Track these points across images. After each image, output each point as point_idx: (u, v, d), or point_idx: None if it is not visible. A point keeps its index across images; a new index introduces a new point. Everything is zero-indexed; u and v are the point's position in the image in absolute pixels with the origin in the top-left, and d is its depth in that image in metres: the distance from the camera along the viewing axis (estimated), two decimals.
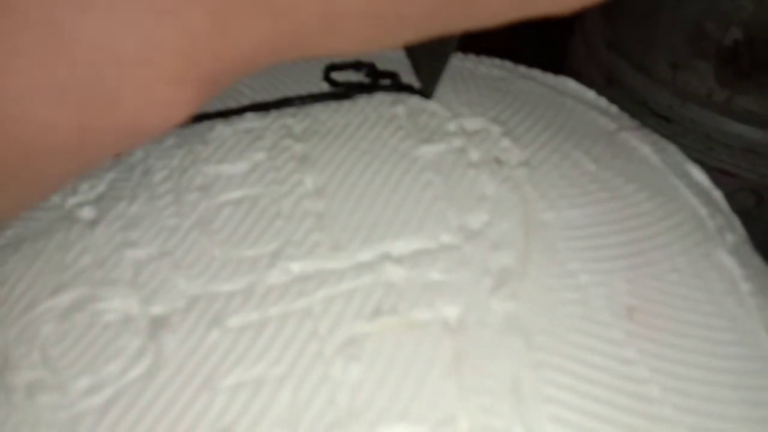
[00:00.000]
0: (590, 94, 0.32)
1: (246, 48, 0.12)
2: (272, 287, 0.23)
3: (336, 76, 0.30)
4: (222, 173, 0.27)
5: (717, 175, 0.71)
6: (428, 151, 0.28)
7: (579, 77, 0.80)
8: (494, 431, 0.19)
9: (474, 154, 0.27)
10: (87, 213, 0.25)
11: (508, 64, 0.35)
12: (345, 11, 0.12)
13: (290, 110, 0.29)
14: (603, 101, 0.32)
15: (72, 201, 0.26)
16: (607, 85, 0.72)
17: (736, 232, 0.26)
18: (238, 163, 0.27)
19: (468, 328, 0.21)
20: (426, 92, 0.29)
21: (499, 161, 0.27)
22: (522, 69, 0.34)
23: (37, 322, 0.22)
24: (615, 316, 0.22)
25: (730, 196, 0.75)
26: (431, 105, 0.30)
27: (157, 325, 0.22)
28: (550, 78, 0.33)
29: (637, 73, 0.69)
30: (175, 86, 0.12)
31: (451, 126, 0.29)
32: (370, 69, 0.30)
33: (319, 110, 0.29)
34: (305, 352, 0.21)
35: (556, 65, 0.83)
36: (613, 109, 0.32)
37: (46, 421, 0.20)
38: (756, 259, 0.25)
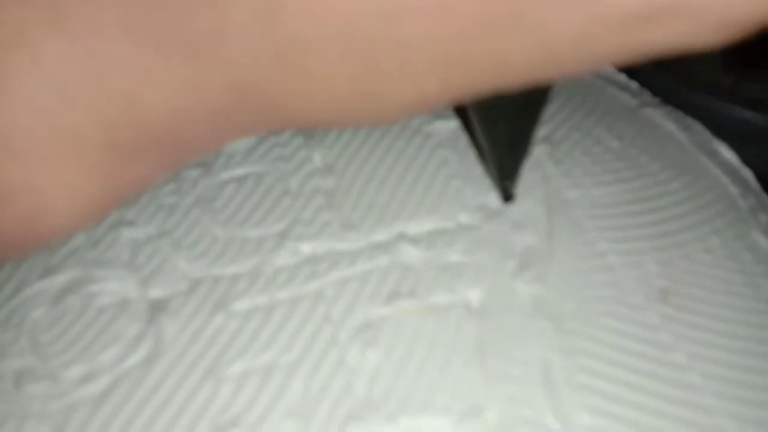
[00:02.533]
0: (609, 69, 0.31)
1: (154, 102, 0.10)
2: (281, 269, 0.21)
3: None
4: (223, 149, 0.25)
5: None
6: (442, 126, 0.26)
7: None
8: (525, 422, 0.17)
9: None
10: None
11: None
12: (307, 40, 0.09)
13: None
14: (622, 77, 0.31)
15: None
16: (613, 70, 0.70)
17: None
18: (241, 140, 0.25)
19: (492, 312, 0.20)
20: (508, 195, 0.23)
21: None
22: None
23: (26, 306, 0.21)
24: (648, 299, 0.20)
25: None
26: None
27: (157, 309, 0.20)
28: None
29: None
30: (43, 167, 0.10)
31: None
32: None
33: None
34: (318, 338, 0.19)
35: None
36: (634, 84, 0.30)
37: (36, 412, 0.18)
38: None
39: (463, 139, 0.26)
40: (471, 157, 0.25)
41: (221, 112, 0.09)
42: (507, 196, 0.22)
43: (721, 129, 0.71)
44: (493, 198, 0.23)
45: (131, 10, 0.08)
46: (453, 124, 0.26)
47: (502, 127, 0.21)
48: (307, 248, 0.22)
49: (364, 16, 0.08)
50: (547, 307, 0.20)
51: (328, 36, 0.08)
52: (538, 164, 0.25)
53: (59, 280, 0.21)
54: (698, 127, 0.28)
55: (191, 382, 0.18)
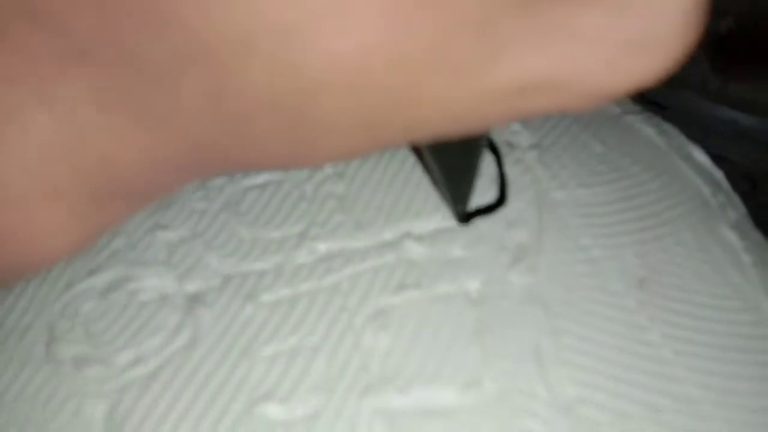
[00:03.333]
0: None
1: (126, 162, 0.11)
2: (301, 266, 0.24)
3: None
4: None
5: (711, 160, 0.72)
6: None
7: None
8: (519, 392, 0.20)
9: (486, 139, 0.28)
10: None
11: None
12: (248, 112, 0.10)
13: None
14: None
15: None
16: None
17: (737, 209, 0.28)
18: None
19: (489, 299, 0.23)
20: (459, 216, 0.25)
21: (510, 144, 0.29)
22: None
23: (78, 300, 0.23)
24: (627, 286, 0.23)
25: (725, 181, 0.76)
26: None
27: (194, 301, 0.23)
28: None
29: None
30: (26, 214, 0.11)
31: None
32: None
33: None
34: (336, 324, 0.22)
35: None
36: None
37: (93, 392, 0.21)
38: (756, 234, 0.27)
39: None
40: None
41: (183, 165, 0.11)
42: (461, 218, 0.24)
43: (709, 129, 0.74)
44: (488, 199, 0.26)
45: (103, 88, 0.09)
46: None
47: (451, 157, 0.22)
48: (323, 247, 0.25)
49: (289, 93, 0.09)
50: (538, 295, 0.23)
51: (261, 109, 0.09)
52: (529, 168, 0.27)
53: (104, 277, 0.24)
54: (674, 132, 0.31)
55: (228, 364, 0.21)
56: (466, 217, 0.24)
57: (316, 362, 0.21)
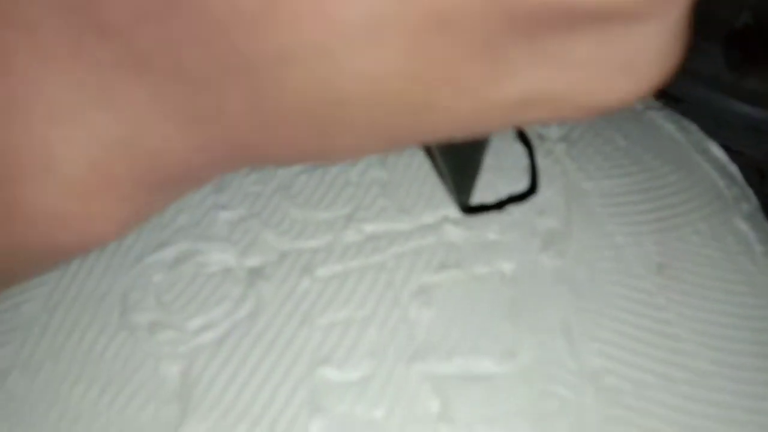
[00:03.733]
0: None
1: (173, 158, 0.11)
2: (350, 245, 0.26)
3: None
4: None
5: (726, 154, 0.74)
6: None
7: None
8: (549, 363, 0.22)
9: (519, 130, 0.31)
10: None
11: None
12: (283, 117, 0.11)
13: None
14: None
15: None
16: None
17: (750, 202, 0.30)
18: None
19: (522, 280, 0.25)
20: (462, 207, 0.26)
21: (541, 137, 0.31)
22: None
23: (148, 271, 0.26)
24: (647, 270, 0.25)
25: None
26: None
27: (254, 275, 0.25)
28: None
29: None
30: (85, 200, 0.11)
31: None
32: None
33: None
34: (384, 299, 0.24)
35: None
36: None
37: (167, 354, 0.23)
38: (767, 225, 0.29)
39: (496, 137, 0.31)
40: (502, 152, 0.30)
41: (223, 161, 0.12)
42: (464, 209, 0.26)
43: (722, 122, 0.76)
44: (520, 188, 0.28)
45: (158, 94, 0.11)
46: None
47: (457, 153, 0.24)
48: (369, 228, 0.27)
49: (320, 102, 0.10)
50: (566, 276, 0.25)
51: (295, 115, 0.11)
52: (558, 160, 0.30)
53: (172, 251, 0.26)
54: (694, 128, 0.33)
55: (288, 331, 0.23)
56: (469, 209, 0.26)
57: (368, 332, 0.23)
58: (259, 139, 0.11)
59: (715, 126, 0.78)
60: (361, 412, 0.21)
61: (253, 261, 0.26)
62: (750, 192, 0.30)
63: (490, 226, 0.27)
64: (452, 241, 0.26)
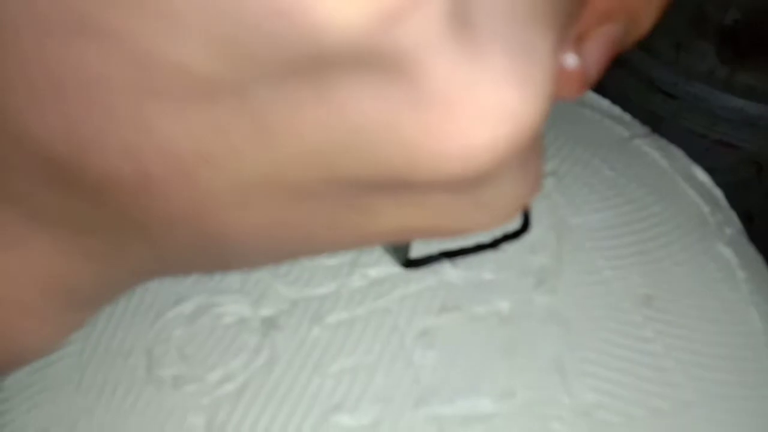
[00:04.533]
0: (605, 103, 0.37)
1: (81, 285, 0.12)
2: (356, 290, 0.28)
3: None
4: None
5: (720, 147, 0.76)
6: None
7: None
8: (545, 401, 0.24)
9: None
10: None
11: None
12: (178, 256, 0.11)
13: None
14: (617, 110, 0.37)
15: None
16: (615, 65, 0.76)
17: (734, 226, 0.31)
18: None
19: (516, 318, 0.27)
20: (402, 262, 0.27)
21: None
22: None
23: (169, 326, 0.28)
24: (634, 303, 0.27)
25: (732, 168, 0.81)
26: None
27: (268, 324, 0.27)
28: None
29: (643, 54, 0.73)
30: (31, 318, 0.12)
31: None
32: None
33: None
34: (390, 343, 0.26)
35: None
36: (627, 116, 0.37)
37: (193, 406, 0.25)
38: (750, 249, 0.30)
39: None
40: None
41: (128, 280, 0.12)
42: (405, 264, 0.28)
43: (717, 117, 0.77)
44: (512, 226, 0.30)
45: (58, 238, 0.12)
46: None
47: None
48: (373, 273, 0.29)
49: (207, 248, 0.11)
50: (558, 313, 0.27)
51: (189, 253, 0.11)
52: (547, 195, 0.31)
53: (190, 305, 0.28)
54: (679, 154, 0.34)
55: (303, 379, 0.25)
56: (409, 263, 0.27)
57: (376, 377, 0.25)
58: (161, 269, 0.12)
59: (711, 121, 0.79)
60: None
61: (266, 311, 0.28)
62: (733, 215, 0.32)
63: (486, 265, 0.29)
64: (451, 281, 0.28)
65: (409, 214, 0.10)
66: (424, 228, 0.11)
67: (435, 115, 0.08)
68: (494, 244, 0.29)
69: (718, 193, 0.33)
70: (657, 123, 0.83)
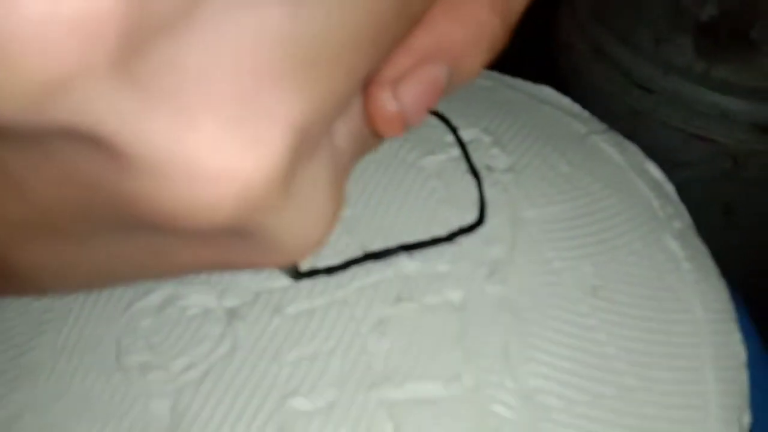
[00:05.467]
0: (565, 101, 0.38)
1: None
2: (316, 282, 0.29)
3: None
4: None
5: (697, 141, 0.77)
6: (432, 161, 0.34)
7: (569, 49, 0.85)
8: (491, 385, 0.26)
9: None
10: None
11: (495, 74, 0.40)
12: None
13: None
14: (576, 107, 0.38)
15: None
16: (594, 57, 0.77)
17: (683, 219, 0.33)
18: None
19: (468, 308, 0.28)
20: (291, 274, 0.29)
21: (489, 168, 0.34)
22: (508, 79, 0.40)
23: (138, 316, 0.29)
24: (583, 293, 0.28)
25: (709, 161, 0.82)
26: (431, 118, 0.36)
27: (231, 315, 0.28)
28: (530, 86, 0.39)
29: (622, 47, 0.74)
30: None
31: (449, 137, 0.35)
32: None
33: None
34: (346, 332, 0.27)
35: (546, 36, 0.88)
36: (585, 113, 0.38)
37: (157, 392, 0.27)
38: (697, 242, 0.32)
39: (448, 171, 0.33)
40: (453, 185, 0.33)
41: None
42: (294, 276, 0.28)
43: (694, 111, 0.78)
44: (470, 218, 0.31)
45: None
46: (439, 159, 0.34)
47: None
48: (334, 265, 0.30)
49: None
50: (508, 303, 0.28)
51: None
52: (505, 189, 0.33)
53: (157, 297, 0.29)
54: (634, 150, 0.36)
55: (262, 366, 0.27)
56: (299, 275, 0.28)
57: (331, 364, 0.26)
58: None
59: (688, 116, 0.80)
60: None
61: (230, 302, 0.29)
62: (683, 209, 0.33)
63: (442, 257, 0.30)
64: (407, 274, 0.29)
65: (200, 253, 0.11)
66: (222, 263, 0.11)
67: (149, 178, 0.09)
68: (450, 237, 0.31)
69: (669, 187, 0.34)
70: (635, 117, 0.85)
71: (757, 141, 0.70)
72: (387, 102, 0.11)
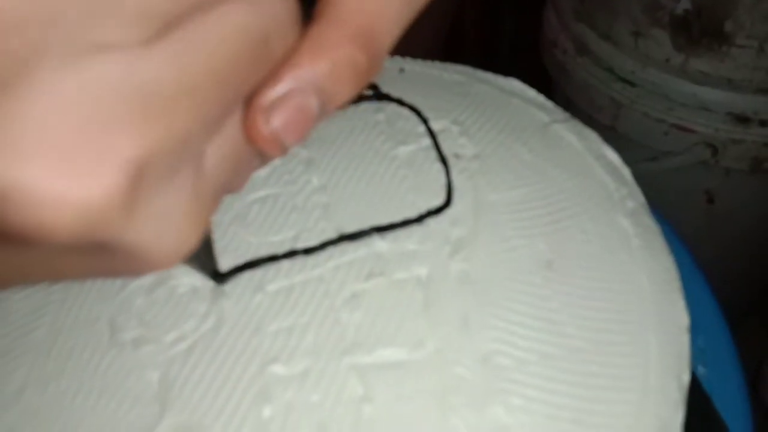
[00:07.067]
0: (531, 93, 0.41)
1: None
2: (295, 261, 0.32)
3: None
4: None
5: (677, 131, 0.80)
6: (404, 150, 0.37)
7: (554, 46, 0.88)
8: (451, 350, 0.28)
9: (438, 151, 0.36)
10: None
11: (468, 69, 0.43)
12: None
13: None
14: (541, 98, 0.41)
15: None
16: (578, 53, 0.80)
17: (636, 200, 0.35)
18: (260, 169, 0.36)
19: (433, 282, 0.31)
20: (213, 276, 0.31)
21: (457, 155, 0.36)
22: (479, 73, 0.42)
23: (131, 297, 0.31)
24: (537, 267, 0.31)
25: (690, 150, 0.84)
26: (405, 111, 0.39)
27: (216, 293, 0.31)
28: (500, 80, 0.42)
29: (604, 42, 0.77)
30: None
31: (421, 128, 0.38)
32: None
33: None
34: (321, 306, 0.30)
35: (533, 33, 0.90)
36: (549, 104, 0.40)
37: (149, 364, 0.29)
38: (648, 221, 0.34)
39: (418, 159, 0.36)
40: (423, 172, 0.35)
41: None
42: (216, 278, 0.31)
43: (674, 102, 0.81)
44: (437, 203, 0.34)
45: None
46: (411, 148, 0.37)
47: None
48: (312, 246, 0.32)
49: None
50: (470, 278, 0.31)
51: None
52: (471, 176, 0.35)
53: (149, 277, 0.32)
54: (593, 136, 0.38)
55: (245, 338, 0.29)
56: (220, 276, 0.31)
57: (308, 334, 0.29)
58: None
59: (668, 106, 0.83)
60: (301, 399, 0.27)
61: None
62: (637, 190, 0.36)
63: (411, 237, 0.32)
64: (379, 252, 0.32)
65: (75, 263, 0.12)
66: (98, 271, 0.13)
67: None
68: (419, 219, 0.33)
69: (626, 171, 0.37)
70: (618, 109, 0.87)
71: (734, 130, 0.72)
72: (261, 125, 0.13)
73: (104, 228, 0.11)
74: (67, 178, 0.11)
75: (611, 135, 0.38)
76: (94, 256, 0.12)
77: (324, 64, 0.13)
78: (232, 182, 0.14)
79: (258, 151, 0.14)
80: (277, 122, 0.13)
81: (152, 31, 0.11)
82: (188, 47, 0.11)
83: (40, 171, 0.10)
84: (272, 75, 0.13)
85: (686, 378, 0.28)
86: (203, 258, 0.29)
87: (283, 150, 0.14)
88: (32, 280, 0.13)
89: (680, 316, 0.30)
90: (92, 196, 0.11)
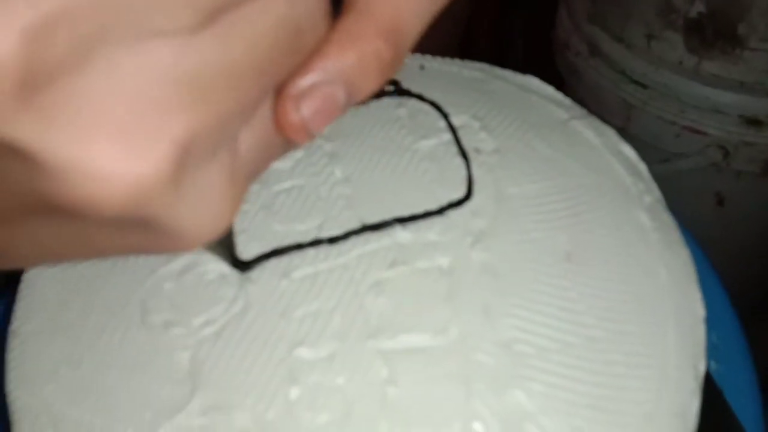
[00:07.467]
0: (549, 90, 0.42)
1: None
2: (320, 250, 0.33)
3: None
4: (274, 169, 0.37)
5: (689, 133, 0.80)
6: (425, 144, 0.37)
7: (567, 47, 0.88)
8: (473, 336, 0.29)
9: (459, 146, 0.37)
10: None
11: (486, 66, 0.44)
12: None
13: None
14: (559, 95, 0.41)
15: None
16: (591, 55, 0.80)
17: (653, 195, 0.36)
18: (285, 161, 0.37)
19: (455, 272, 0.31)
20: (235, 265, 0.32)
21: (477, 150, 0.37)
22: (497, 70, 0.43)
23: (161, 280, 0.32)
24: (556, 258, 0.32)
25: (701, 152, 0.84)
26: (426, 106, 0.40)
27: (243, 279, 0.32)
28: (518, 77, 0.43)
29: (616, 44, 0.77)
30: None
31: (442, 123, 0.39)
32: None
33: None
34: (346, 292, 0.31)
35: (545, 35, 0.91)
36: (567, 101, 0.41)
37: (180, 345, 0.30)
38: (665, 215, 0.35)
39: (439, 153, 0.37)
40: (444, 165, 0.36)
41: None
42: (238, 266, 0.32)
43: (686, 104, 0.82)
44: (458, 195, 0.35)
45: None
46: (432, 143, 0.37)
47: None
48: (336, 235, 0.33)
49: None
50: (491, 267, 0.31)
51: None
52: (491, 169, 0.36)
53: (178, 264, 0.33)
54: (610, 133, 0.39)
55: (272, 322, 0.30)
56: (242, 264, 0.32)
57: (333, 319, 0.30)
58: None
59: (680, 109, 0.84)
60: (327, 381, 0.28)
61: None
62: (654, 186, 0.36)
63: (432, 228, 0.33)
64: (402, 242, 0.33)
65: (113, 239, 0.13)
66: (134, 247, 0.13)
67: (56, 178, 0.11)
68: (440, 211, 0.34)
69: (642, 167, 0.37)
70: (630, 111, 0.88)
71: (746, 132, 0.73)
72: (291, 113, 0.14)
73: (150, 203, 0.12)
74: (122, 155, 0.11)
75: (623, 136, 0.38)
76: (134, 232, 0.13)
77: (352, 56, 0.14)
78: (259, 167, 0.15)
79: (285, 138, 0.14)
80: (306, 111, 0.14)
81: (200, 19, 0.12)
82: (232, 35, 0.12)
83: (98, 147, 0.11)
84: (303, 65, 0.14)
85: (702, 367, 0.29)
86: (225, 246, 0.30)
87: (310, 137, 0.14)
88: (68, 256, 0.14)
89: (697, 307, 0.31)
90: (144, 172, 0.11)
